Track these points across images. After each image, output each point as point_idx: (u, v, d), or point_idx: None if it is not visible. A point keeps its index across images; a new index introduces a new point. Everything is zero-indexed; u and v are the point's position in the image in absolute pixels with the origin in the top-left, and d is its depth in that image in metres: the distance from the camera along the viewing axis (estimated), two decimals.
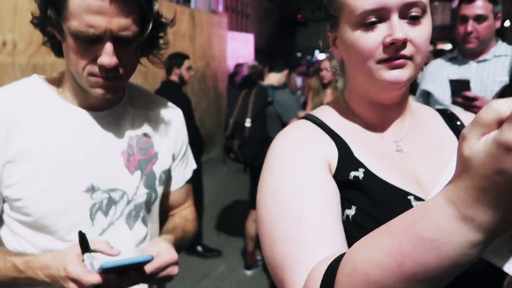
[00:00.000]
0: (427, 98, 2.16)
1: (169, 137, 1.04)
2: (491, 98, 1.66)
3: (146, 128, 0.99)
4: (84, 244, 0.78)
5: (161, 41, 0.92)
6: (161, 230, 1.07)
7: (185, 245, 1.08)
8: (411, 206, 0.65)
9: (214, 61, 6.94)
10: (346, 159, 0.70)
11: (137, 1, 0.78)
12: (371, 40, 0.65)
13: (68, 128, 0.88)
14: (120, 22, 0.76)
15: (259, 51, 10.73)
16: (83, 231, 0.79)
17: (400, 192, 0.67)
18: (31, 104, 0.87)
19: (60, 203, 0.85)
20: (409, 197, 0.67)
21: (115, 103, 0.95)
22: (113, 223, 0.92)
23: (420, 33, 0.66)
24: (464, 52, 2.04)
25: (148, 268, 0.81)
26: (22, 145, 0.84)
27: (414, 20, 0.65)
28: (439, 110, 0.85)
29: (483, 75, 1.97)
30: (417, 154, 0.75)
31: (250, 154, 2.99)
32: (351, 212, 0.66)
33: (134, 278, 0.79)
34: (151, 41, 0.87)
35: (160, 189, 1.01)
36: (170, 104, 1.09)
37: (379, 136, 0.75)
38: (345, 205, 0.67)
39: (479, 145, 0.37)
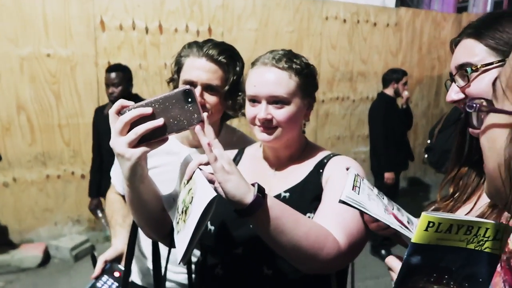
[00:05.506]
0: None
1: None
2: None
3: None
4: None
5: (238, 100, 1.20)
6: None
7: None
8: (226, 208, 0.94)
9: None
10: None
11: (222, 65, 1.16)
12: (251, 112, 1.00)
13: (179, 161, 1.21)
14: (208, 76, 1.15)
15: None
16: None
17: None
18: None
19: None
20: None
21: None
22: None
23: (280, 114, 0.97)
24: None
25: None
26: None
27: (278, 105, 0.97)
28: (329, 155, 1.06)
29: None
30: (283, 177, 1.05)
31: None
32: None
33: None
34: (231, 94, 1.19)
35: None
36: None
37: (267, 166, 1.08)
38: None
39: None
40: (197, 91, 1.15)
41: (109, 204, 1.52)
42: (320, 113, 4.68)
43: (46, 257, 3.54)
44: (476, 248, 0.55)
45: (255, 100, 0.99)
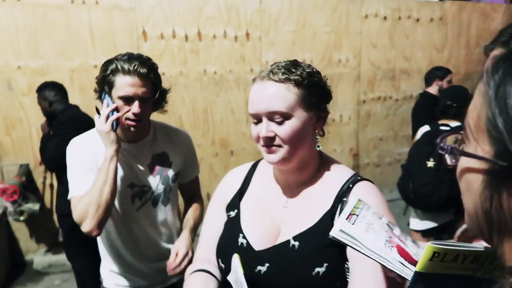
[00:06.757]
0: None
1: (180, 152, 1.60)
2: None
3: (165, 148, 1.57)
4: None
5: (164, 102, 1.53)
6: (182, 209, 1.69)
7: (198, 225, 1.59)
8: (235, 247, 0.94)
9: None
10: (234, 201, 1.05)
11: (151, 79, 1.39)
12: (255, 131, 0.94)
13: (121, 153, 1.45)
14: (142, 90, 1.37)
15: None
16: None
17: (236, 235, 0.96)
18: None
19: (118, 192, 1.44)
20: (239, 240, 0.95)
21: (143, 138, 1.52)
22: (145, 204, 1.52)
23: (282, 130, 0.90)
24: None
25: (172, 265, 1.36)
26: (98, 161, 1.42)
27: (279, 121, 0.90)
28: (348, 181, 0.94)
29: None
30: (295, 210, 0.95)
31: None
32: None
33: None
34: (160, 100, 1.49)
35: (173, 184, 1.58)
36: (181, 130, 1.66)
37: (278, 190, 1.02)
38: None
39: None
40: (136, 104, 1.36)
41: None
42: (362, 114, 4.58)
43: None
44: (484, 276, 0.54)
45: (256, 118, 0.94)
